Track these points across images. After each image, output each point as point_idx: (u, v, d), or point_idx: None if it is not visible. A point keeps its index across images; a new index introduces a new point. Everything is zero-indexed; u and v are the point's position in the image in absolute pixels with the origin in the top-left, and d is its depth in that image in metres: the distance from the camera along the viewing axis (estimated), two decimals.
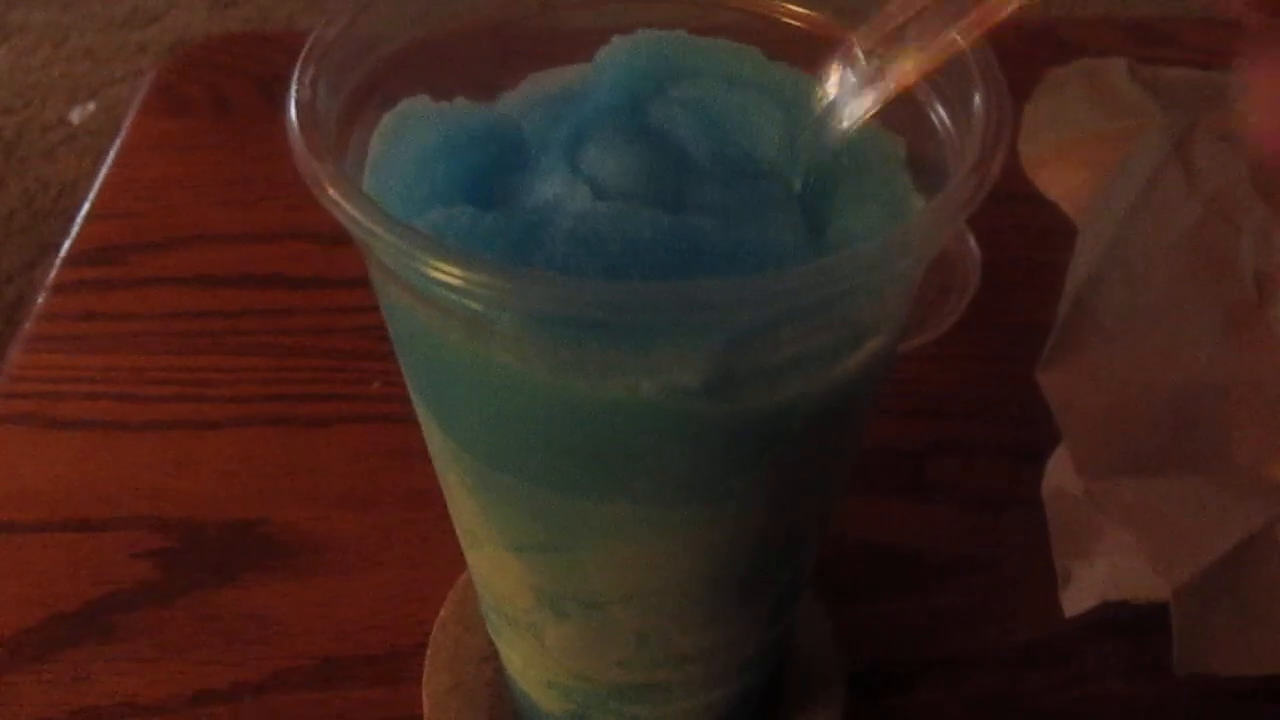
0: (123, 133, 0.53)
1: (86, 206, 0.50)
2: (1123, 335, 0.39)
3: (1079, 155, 0.43)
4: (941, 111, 0.18)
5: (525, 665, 0.26)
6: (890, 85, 0.18)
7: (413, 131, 0.20)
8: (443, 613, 0.33)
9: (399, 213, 0.18)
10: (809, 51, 0.20)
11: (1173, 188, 0.41)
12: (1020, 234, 0.46)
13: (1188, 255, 0.40)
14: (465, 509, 0.21)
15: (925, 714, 0.33)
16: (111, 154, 0.52)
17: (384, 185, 0.19)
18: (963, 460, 0.40)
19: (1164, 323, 0.39)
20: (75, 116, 1.40)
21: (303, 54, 0.18)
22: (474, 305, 0.16)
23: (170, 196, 0.50)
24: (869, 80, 0.18)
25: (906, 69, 0.17)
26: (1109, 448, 0.37)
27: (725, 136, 0.19)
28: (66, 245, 0.48)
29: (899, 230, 0.15)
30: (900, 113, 0.20)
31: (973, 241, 0.45)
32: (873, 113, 0.18)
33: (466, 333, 0.16)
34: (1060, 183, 0.44)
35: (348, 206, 0.15)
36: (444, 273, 0.15)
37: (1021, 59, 0.48)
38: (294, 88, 0.17)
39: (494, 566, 0.22)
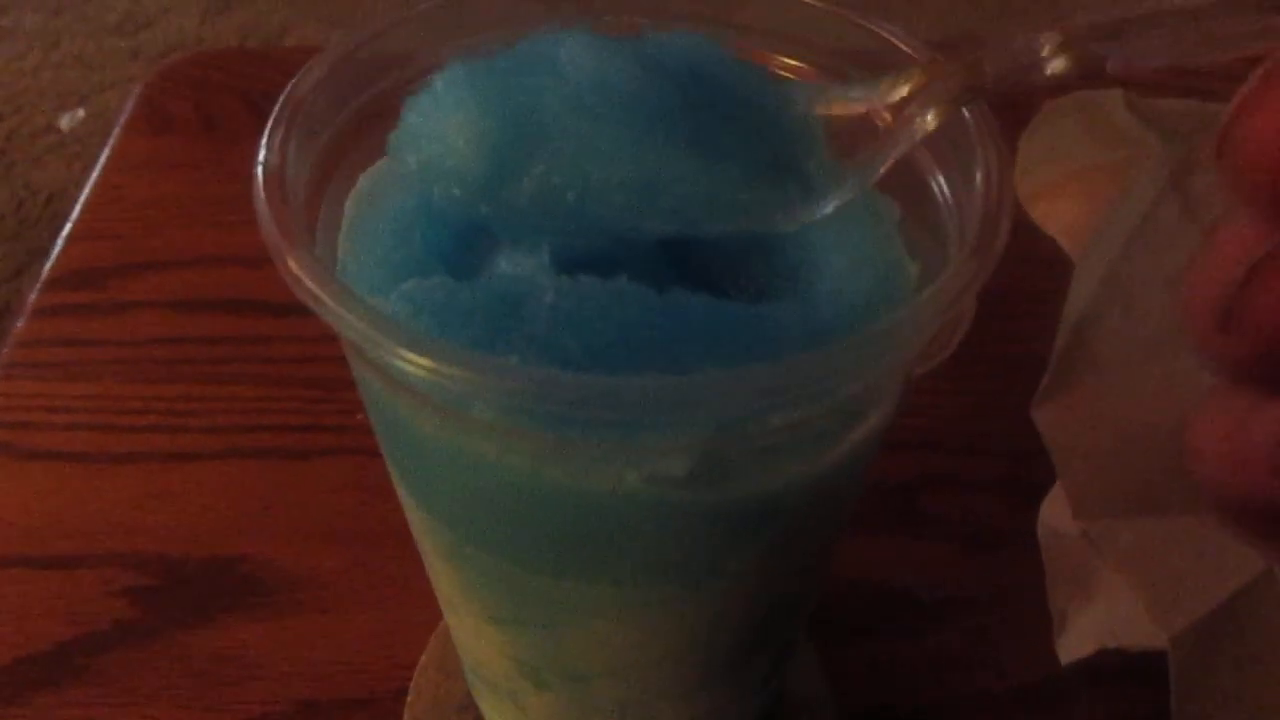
0: (107, 150, 0.53)
1: (68, 227, 0.49)
2: (1120, 370, 0.38)
3: (1076, 188, 0.43)
4: (941, 179, 0.18)
5: None
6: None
7: (391, 193, 0.19)
8: (423, 658, 0.33)
9: (375, 280, 0.17)
10: None
11: (1170, 219, 0.41)
12: (1016, 265, 0.45)
13: None
14: (442, 578, 0.20)
15: None
16: (95, 172, 0.52)
17: (360, 249, 0.18)
18: (956, 496, 0.39)
19: (1162, 357, 0.38)
20: (65, 123, 1.39)
21: (274, 114, 0.17)
22: (446, 395, 0.15)
23: (154, 217, 0.49)
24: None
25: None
26: (1106, 487, 0.36)
27: (719, 191, 0.18)
28: (47, 268, 0.47)
29: (896, 319, 0.15)
30: (895, 175, 0.20)
31: None
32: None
33: (441, 419, 0.16)
34: (1057, 216, 0.43)
35: (315, 289, 0.15)
36: (413, 364, 0.14)
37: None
38: (262, 153, 0.16)
39: (472, 634, 0.21)
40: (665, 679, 0.20)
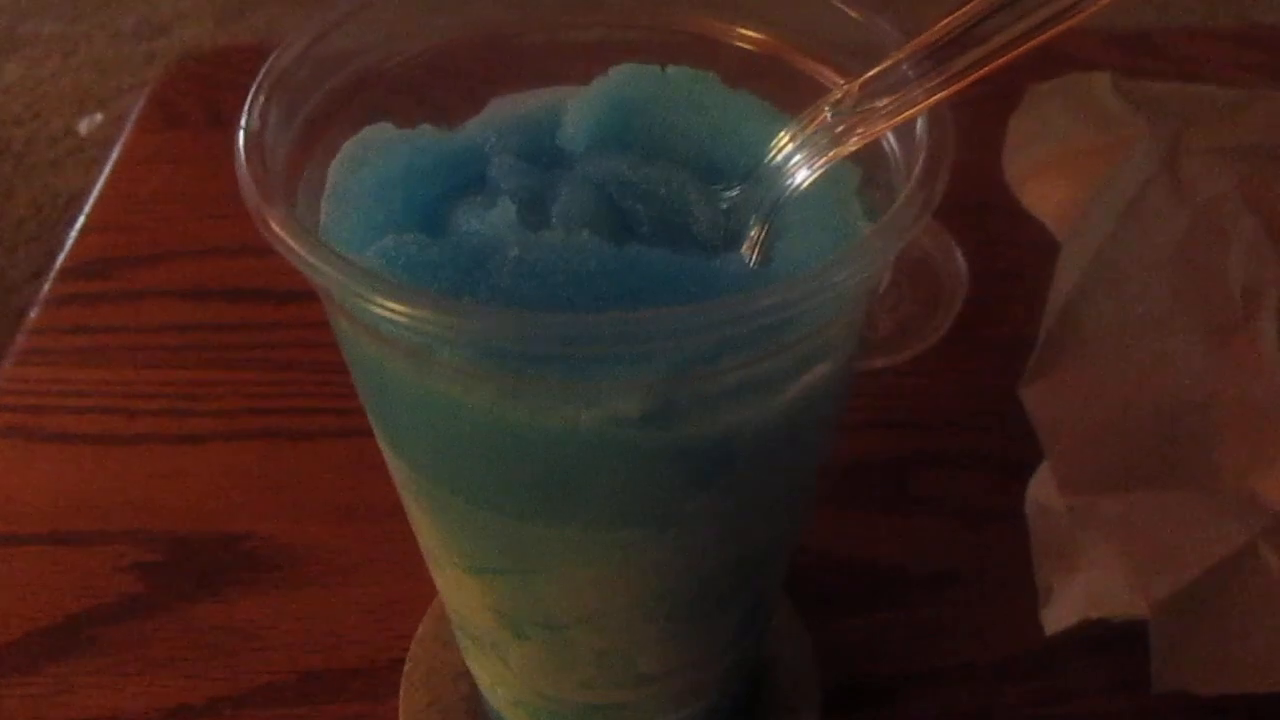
0: (120, 146, 0.54)
1: (82, 219, 0.50)
2: (1107, 350, 0.39)
3: (1064, 170, 0.43)
4: (890, 138, 0.18)
5: (493, 684, 0.26)
6: (850, 146, 0.18)
7: (374, 158, 0.20)
8: (421, 628, 0.33)
9: (355, 240, 0.18)
10: (762, 75, 0.20)
11: (1161, 200, 0.41)
12: (1007, 248, 0.46)
13: (1175, 268, 0.40)
14: (423, 530, 0.21)
15: None
16: (108, 167, 0.53)
17: (342, 213, 0.19)
18: (946, 474, 0.40)
19: (1150, 337, 0.38)
20: (83, 127, 1.41)
21: (256, 81, 0.18)
22: (414, 338, 0.16)
23: (165, 209, 0.50)
24: (831, 141, 0.18)
25: (870, 131, 0.17)
26: (1091, 463, 0.36)
27: (680, 181, 0.19)
28: (61, 258, 0.48)
29: (840, 254, 0.15)
30: None
31: (960, 255, 0.45)
32: (827, 166, 0.18)
33: (410, 363, 0.17)
34: (1045, 198, 0.44)
35: (289, 240, 0.16)
36: (383, 307, 0.15)
37: (1006, 72, 0.48)
38: (244, 117, 0.17)
39: (455, 587, 0.22)
40: (638, 627, 0.21)
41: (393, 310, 0.15)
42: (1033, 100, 0.44)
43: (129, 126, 0.55)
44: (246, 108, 0.17)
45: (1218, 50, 0.54)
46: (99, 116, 1.42)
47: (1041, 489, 0.38)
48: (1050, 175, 0.43)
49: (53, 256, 0.49)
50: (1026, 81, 0.46)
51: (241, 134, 0.17)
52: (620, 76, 0.20)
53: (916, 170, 0.16)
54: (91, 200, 0.51)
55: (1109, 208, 0.41)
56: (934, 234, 0.45)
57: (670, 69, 0.20)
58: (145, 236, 0.49)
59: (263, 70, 0.18)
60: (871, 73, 0.17)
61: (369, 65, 0.20)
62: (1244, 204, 0.41)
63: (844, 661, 0.34)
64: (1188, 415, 0.37)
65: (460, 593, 0.22)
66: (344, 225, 0.19)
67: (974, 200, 0.45)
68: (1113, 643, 0.34)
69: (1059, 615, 0.34)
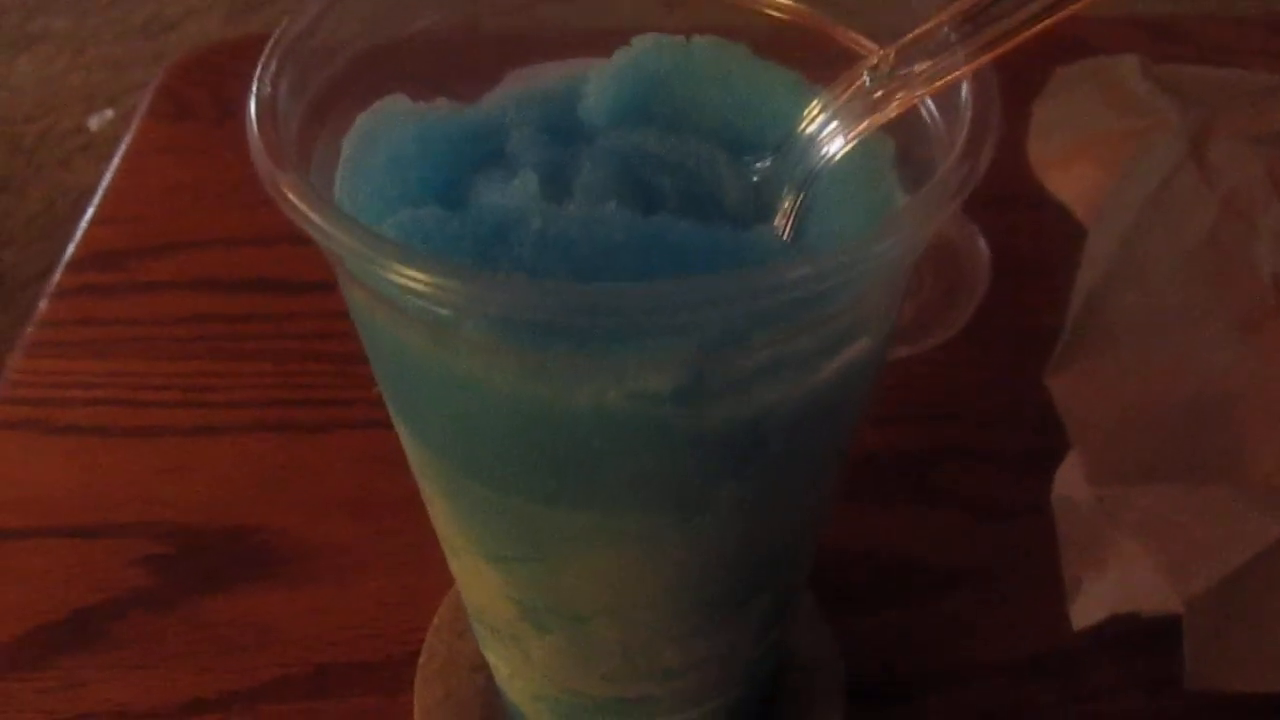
0: (129, 137, 0.54)
1: (91, 211, 0.50)
2: (1135, 339, 0.38)
3: (1090, 155, 0.42)
4: (931, 106, 0.18)
5: (511, 676, 0.26)
6: (889, 113, 0.17)
7: (389, 132, 0.19)
8: (436, 620, 0.33)
9: (370, 215, 0.18)
10: (793, 45, 0.20)
11: (1188, 187, 0.40)
12: (1030, 236, 0.45)
13: (1203, 257, 0.39)
14: (441, 516, 0.21)
15: None
16: (117, 159, 0.53)
17: (356, 187, 0.18)
18: (970, 467, 0.39)
19: (1178, 326, 0.38)
20: (94, 123, 1.41)
21: (266, 49, 0.17)
22: (437, 310, 0.15)
23: (174, 201, 0.50)
24: (868, 108, 0.17)
25: (909, 97, 0.17)
26: (1121, 455, 0.36)
27: (708, 153, 0.18)
28: (70, 250, 0.48)
29: (880, 224, 0.15)
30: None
31: (982, 243, 0.44)
32: (863, 135, 0.17)
33: (431, 338, 0.16)
34: (1070, 184, 0.43)
35: (304, 208, 0.15)
36: (404, 276, 0.14)
37: (1032, 56, 0.47)
38: (254, 85, 0.16)
39: (474, 577, 0.22)
40: (663, 619, 0.20)
41: (413, 279, 0.14)
42: (1058, 84, 0.43)
43: (138, 118, 0.55)
44: (258, 74, 0.17)
45: (1244, 37, 0.53)
46: (109, 113, 1.42)
47: (1067, 481, 0.37)
48: (1076, 160, 0.43)
49: (64, 253, 0.48)
50: (1051, 66, 0.45)
51: (253, 100, 0.16)
52: (643, 47, 0.20)
53: (961, 139, 0.16)
54: (101, 191, 0.50)
55: (1135, 195, 0.41)
56: (956, 220, 0.44)
57: (695, 39, 0.20)
58: (155, 228, 0.48)
59: (274, 38, 0.18)
60: (910, 36, 0.17)
61: (383, 37, 0.20)
62: (1273, 191, 0.40)
63: (867, 657, 0.34)
64: (1218, 407, 0.36)
65: (479, 582, 0.22)
66: (358, 199, 0.18)
67: (997, 186, 0.44)
68: (1142, 639, 0.33)
69: (1088, 610, 0.34)
